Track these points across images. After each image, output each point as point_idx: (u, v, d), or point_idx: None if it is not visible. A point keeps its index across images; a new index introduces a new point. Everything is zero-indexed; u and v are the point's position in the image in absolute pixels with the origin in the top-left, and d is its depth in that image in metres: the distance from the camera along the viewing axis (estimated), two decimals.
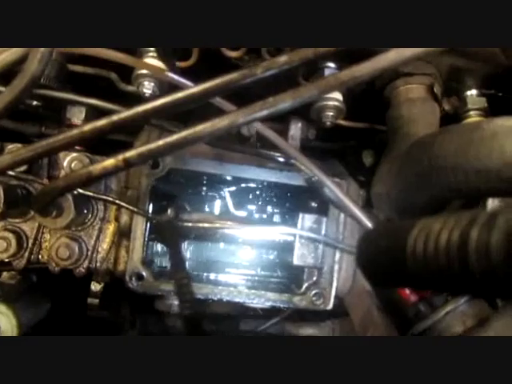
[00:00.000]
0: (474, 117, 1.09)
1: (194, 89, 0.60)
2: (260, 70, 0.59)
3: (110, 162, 0.59)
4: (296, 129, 1.08)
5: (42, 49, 0.59)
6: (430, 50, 0.58)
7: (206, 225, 0.88)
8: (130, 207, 0.86)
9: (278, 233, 0.95)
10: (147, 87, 0.99)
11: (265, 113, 0.58)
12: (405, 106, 1.03)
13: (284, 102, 0.58)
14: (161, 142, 0.59)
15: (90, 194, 0.86)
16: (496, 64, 1.06)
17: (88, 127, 0.59)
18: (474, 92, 1.10)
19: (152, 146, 0.59)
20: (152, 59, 0.99)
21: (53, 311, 1.29)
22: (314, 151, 1.09)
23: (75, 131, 0.59)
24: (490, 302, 0.73)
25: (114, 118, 0.59)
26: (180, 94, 0.59)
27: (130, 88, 1.08)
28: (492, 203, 0.76)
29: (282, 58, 0.60)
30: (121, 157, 0.59)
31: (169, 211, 0.91)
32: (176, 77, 0.81)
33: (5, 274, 1.24)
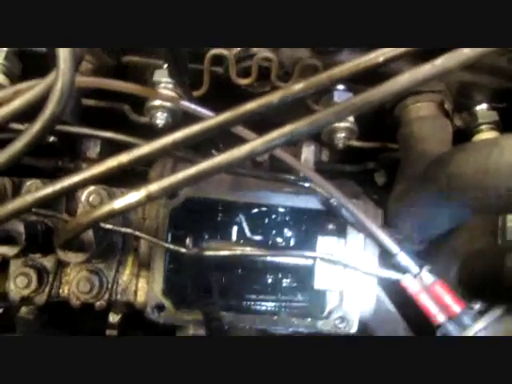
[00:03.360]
0: (485, 131, 1.10)
1: (214, 119, 0.61)
2: (277, 99, 0.60)
3: (132, 196, 0.60)
4: (309, 152, 1.09)
5: (63, 88, 0.60)
6: (447, 68, 0.58)
7: (226, 253, 0.88)
8: (150, 238, 0.86)
9: (299, 257, 0.95)
10: (160, 118, 1.01)
11: (283, 140, 0.59)
12: (416, 124, 1.04)
13: (301, 128, 0.59)
14: (181, 175, 0.59)
15: (110, 227, 0.86)
16: (504, 77, 1.07)
17: (110, 162, 0.60)
18: (484, 106, 1.10)
19: (173, 178, 0.59)
20: (165, 90, 1.01)
21: None
22: (327, 173, 1.10)
23: (98, 167, 0.60)
24: None
25: (136, 152, 0.59)
26: (200, 125, 0.60)
27: (143, 119, 1.09)
28: None
29: (298, 86, 0.61)
30: (143, 191, 0.59)
31: (187, 240, 0.92)
32: (193, 106, 0.82)
33: (23, 309, 1.25)
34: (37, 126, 0.62)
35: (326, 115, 0.59)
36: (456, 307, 0.73)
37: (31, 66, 1.03)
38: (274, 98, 0.61)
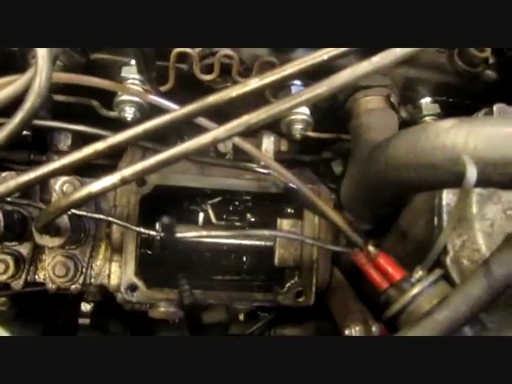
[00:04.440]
0: (429, 122, 1.21)
1: (180, 111, 0.68)
2: (235, 92, 0.68)
3: (107, 180, 0.66)
4: (269, 142, 1.17)
5: (41, 83, 0.67)
6: (382, 65, 0.67)
7: (193, 234, 0.95)
8: (123, 223, 0.92)
9: (260, 237, 1.04)
10: (129, 112, 1.06)
11: (243, 128, 0.67)
12: (365, 116, 1.13)
13: (259, 117, 0.67)
14: (152, 160, 0.66)
15: (84, 213, 0.92)
16: (444, 73, 1.19)
17: (86, 151, 0.67)
18: (427, 100, 1.21)
19: (145, 163, 0.66)
20: (132, 86, 1.07)
21: (45, 333, 1.32)
22: (287, 162, 1.19)
23: (76, 155, 0.67)
24: (450, 282, 0.82)
25: (111, 140, 0.66)
26: (167, 117, 0.67)
27: (112, 114, 1.15)
28: (447, 195, 0.86)
29: (254, 81, 0.69)
30: (118, 175, 0.66)
31: (157, 225, 0.98)
32: (160, 99, 0.89)
33: None
34: (17, 118, 0.67)
35: (278, 106, 0.68)
36: (397, 275, 0.83)
37: None
38: (232, 91, 0.68)
